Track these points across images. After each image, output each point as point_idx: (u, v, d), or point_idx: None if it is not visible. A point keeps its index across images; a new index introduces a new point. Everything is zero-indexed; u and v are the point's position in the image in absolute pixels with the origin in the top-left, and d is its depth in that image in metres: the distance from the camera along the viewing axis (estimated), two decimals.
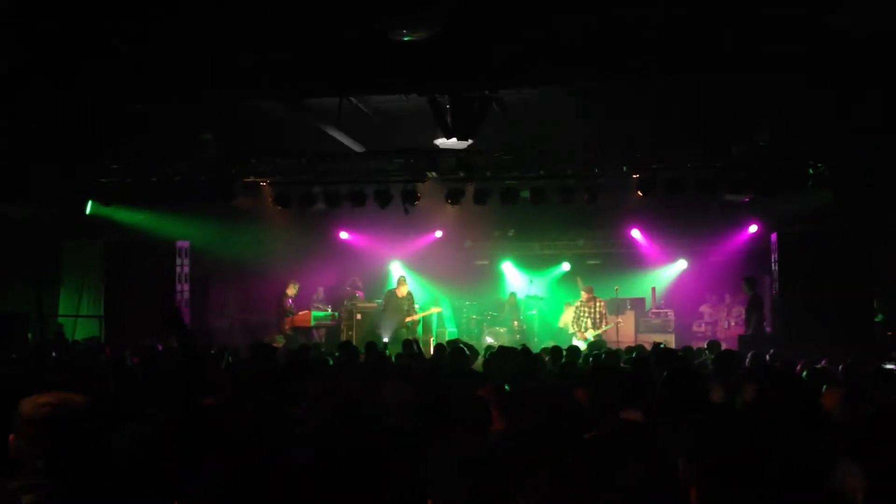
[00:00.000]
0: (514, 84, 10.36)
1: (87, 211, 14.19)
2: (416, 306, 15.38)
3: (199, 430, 2.74)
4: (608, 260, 17.79)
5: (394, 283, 15.62)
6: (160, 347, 9.54)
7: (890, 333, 12.37)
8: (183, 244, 14.50)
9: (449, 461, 2.34)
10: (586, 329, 13.98)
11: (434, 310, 16.12)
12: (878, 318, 13.23)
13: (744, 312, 13.80)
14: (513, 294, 17.02)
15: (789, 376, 4.56)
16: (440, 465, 2.34)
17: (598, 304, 14.24)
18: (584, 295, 14.43)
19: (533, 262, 17.95)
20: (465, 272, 17.95)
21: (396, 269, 17.46)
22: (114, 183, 13.55)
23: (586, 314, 14.18)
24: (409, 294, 15.23)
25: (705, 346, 10.76)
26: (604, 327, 14.05)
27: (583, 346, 12.73)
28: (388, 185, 13.25)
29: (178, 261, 14.29)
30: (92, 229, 14.66)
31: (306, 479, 2.63)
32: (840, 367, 7.20)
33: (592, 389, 4.06)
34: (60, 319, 14.80)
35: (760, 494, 2.44)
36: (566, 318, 15.64)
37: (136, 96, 10.30)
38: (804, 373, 6.57)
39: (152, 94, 10.25)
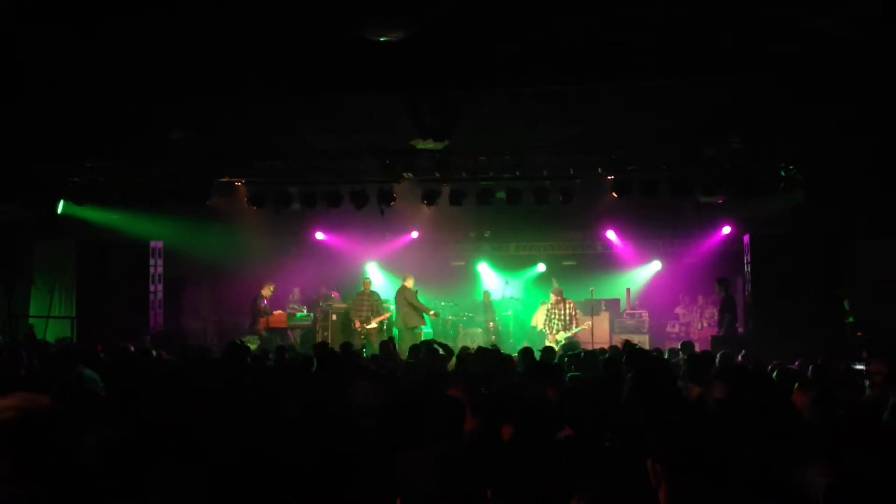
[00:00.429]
0: (494, 85, 10.37)
1: (59, 210, 14.04)
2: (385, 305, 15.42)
3: (170, 433, 2.73)
4: (583, 261, 17.89)
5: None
6: (132, 349, 9.45)
7: (860, 334, 12.52)
8: (156, 244, 14.37)
9: (419, 460, 2.33)
10: (557, 331, 13.97)
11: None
12: (850, 319, 13.40)
13: (717, 313, 13.91)
14: (487, 293, 17.04)
15: (759, 376, 4.60)
16: (411, 464, 2.34)
17: (567, 305, 14.19)
18: (553, 298, 14.35)
19: (508, 263, 18.00)
20: (441, 273, 17.95)
21: (372, 270, 17.44)
22: (86, 182, 13.41)
23: (556, 316, 14.16)
24: (374, 294, 15.30)
25: (679, 347, 10.83)
26: (574, 329, 14.04)
27: (555, 347, 12.80)
28: (364, 185, 13.22)
29: (152, 261, 14.17)
30: (64, 229, 14.50)
31: (278, 479, 2.62)
32: (810, 368, 7.28)
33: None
34: (31, 320, 14.61)
35: (728, 494, 2.46)
36: (538, 317, 15.65)
37: (108, 96, 10.19)
38: (775, 373, 6.64)
39: (125, 94, 10.15)
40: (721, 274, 14.98)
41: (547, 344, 13.49)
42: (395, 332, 14.88)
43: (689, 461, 2.47)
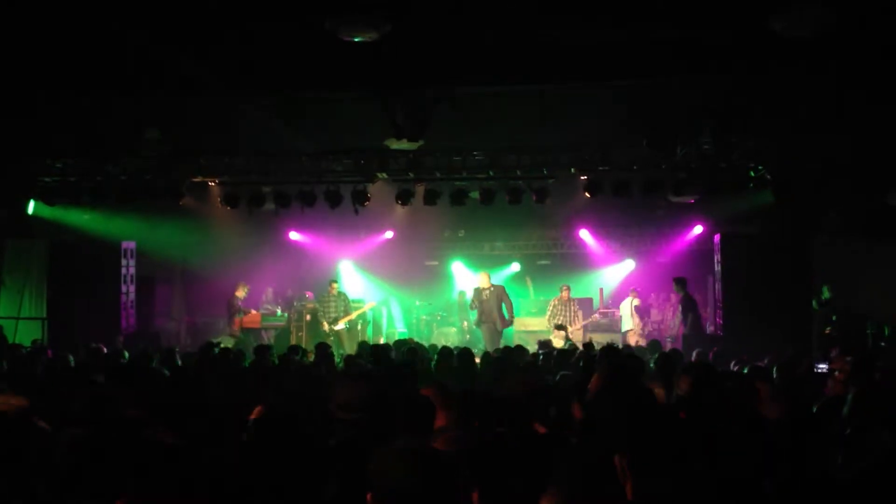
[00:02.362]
0: (468, 85, 10.41)
1: (30, 210, 13.89)
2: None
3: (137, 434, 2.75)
4: (557, 260, 18.03)
5: (345, 284, 15.65)
6: (104, 350, 9.39)
7: (828, 332, 12.72)
8: (129, 244, 14.27)
9: (389, 456, 2.37)
10: (560, 328, 13.75)
11: (368, 305, 16.09)
12: (834, 317, 13.59)
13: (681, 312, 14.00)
14: (461, 293, 17.09)
15: (723, 372, 4.68)
16: (380, 459, 2.37)
17: (572, 303, 14.75)
18: (563, 294, 14.86)
19: (483, 263, 18.05)
20: (416, 272, 18.00)
21: (347, 270, 17.44)
22: (56, 182, 13.28)
23: (561, 313, 14.55)
24: (342, 294, 15.29)
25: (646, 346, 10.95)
26: (571, 328, 14.25)
27: (558, 344, 12.86)
28: (339, 185, 13.21)
29: (124, 261, 14.07)
30: (35, 229, 14.35)
31: (246, 473, 2.64)
32: (775, 367, 7.38)
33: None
34: (1, 321, 14.44)
35: (693, 489, 2.51)
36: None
37: (77, 93, 10.11)
38: (744, 369, 6.74)
39: (92, 92, 10.07)
40: (693, 273, 15.18)
41: (550, 338, 13.57)
42: (479, 332, 14.65)
43: (654, 456, 2.51)
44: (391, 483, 2.28)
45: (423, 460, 2.32)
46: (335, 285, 15.35)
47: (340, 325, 14.86)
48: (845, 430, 3.97)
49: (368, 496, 2.28)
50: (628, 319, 15.64)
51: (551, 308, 14.92)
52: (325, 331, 14.84)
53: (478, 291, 14.17)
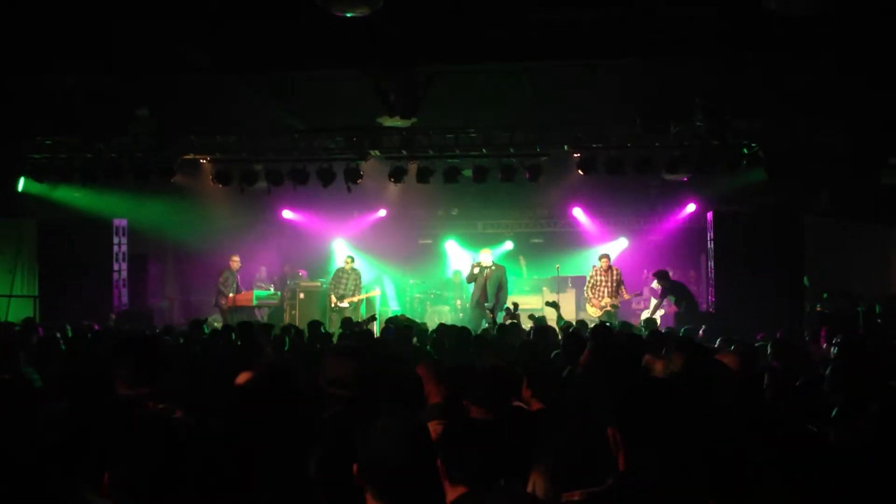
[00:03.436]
0: (460, 63, 10.35)
1: (20, 188, 13.80)
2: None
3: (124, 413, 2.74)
4: (551, 238, 18.04)
5: (337, 262, 15.58)
6: (96, 328, 9.37)
7: (819, 309, 12.78)
8: (120, 222, 14.21)
9: (376, 431, 2.37)
10: (602, 297, 13.43)
11: (374, 292, 16.05)
12: (825, 295, 13.66)
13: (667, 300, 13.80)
14: (457, 273, 17.10)
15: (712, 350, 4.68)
16: (367, 434, 2.37)
17: (614, 272, 13.61)
18: (603, 262, 13.70)
19: (476, 241, 18.04)
20: (409, 251, 17.99)
21: (340, 248, 17.41)
22: (46, 159, 13.18)
23: (603, 283, 13.54)
24: (356, 272, 15.16)
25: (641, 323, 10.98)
26: (621, 297, 13.58)
27: (595, 314, 12.96)
28: (331, 163, 13.15)
29: (116, 239, 14.02)
30: (25, 207, 14.27)
31: (230, 450, 2.64)
32: (769, 343, 7.41)
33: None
34: None
35: (685, 463, 2.52)
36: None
37: (67, 70, 10.02)
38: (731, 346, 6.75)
39: (83, 68, 9.99)
40: (686, 251, 15.21)
41: (589, 309, 13.43)
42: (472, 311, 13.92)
43: (647, 430, 2.52)
44: (377, 455, 2.29)
45: (410, 433, 2.32)
46: (350, 261, 15.19)
47: (345, 304, 14.79)
48: (831, 405, 3.99)
49: (354, 467, 2.29)
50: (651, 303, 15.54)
51: (591, 279, 13.76)
52: (331, 306, 14.75)
53: (481, 269, 13.48)
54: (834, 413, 3.76)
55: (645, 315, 14.47)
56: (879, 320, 11.51)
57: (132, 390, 3.08)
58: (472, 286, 13.72)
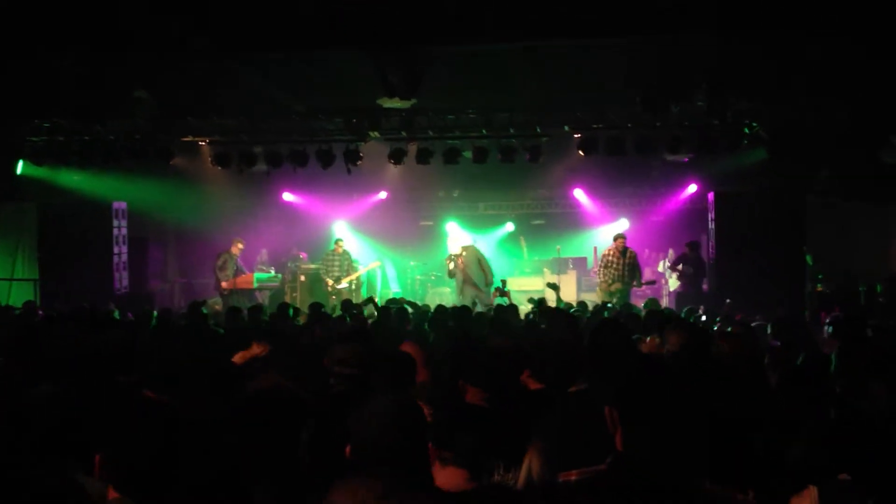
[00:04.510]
0: (460, 43, 10.28)
1: (18, 171, 13.77)
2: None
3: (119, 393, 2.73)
4: (551, 220, 18.03)
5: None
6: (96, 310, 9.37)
7: (819, 289, 12.76)
8: (120, 205, 14.18)
9: (368, 410, 2.36)
10: (612, 282, 12.77)
11: (373, 264, 16.11)
12: (820, 276, 13.65)
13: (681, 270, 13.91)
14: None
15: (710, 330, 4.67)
16: (360, 413, 2.37)
17: (628, 254, 12.83)
18: (619, 243, 12.90)
19: (477, 222, 18.05)
20: (410, 233, 17.98)
21: (341, 230, 17.39)
22: (44, 142, 13.14)
23: (614, 265, 12.80)
24: (346, 253, 15.20)
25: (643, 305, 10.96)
26: (636, 283, 12.89)
27: (599, 299, 12.34)
28: (331, 144, 13.10)
29: (115, 222, 13.98)
30: (24, 191, 14.24)
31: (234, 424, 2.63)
32: (770, 324, 7.40)
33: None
34: None
35: (682, 441, 2.51)
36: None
37: (63, 52, 9.96)
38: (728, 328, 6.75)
39: (80, 50, 9.92)
40: (688, 232, 15.18)
41: (598, 291, 12.91)
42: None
43: (644, 409, 2.50)
44: (368, 435, 2.28)
45: (400, 413, 2.31)
46: (340, 243, 15.25)
47: (344, 284, 14.84)
48: (835, 385, 3.98)
49: (347, 448, 2.28)
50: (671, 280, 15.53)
51: (604, 259, 12.98)
52: (328, 290, 14.79)
53: (453, 258, 13.48)
54: (835, 393, 3.76)
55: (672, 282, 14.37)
56: (881, 299, 11.48)
57: (125, 375, 3.08)
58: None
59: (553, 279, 14.59)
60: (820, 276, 13.47)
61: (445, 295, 16.14)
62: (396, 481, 1.73)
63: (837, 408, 3.59)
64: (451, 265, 13.44)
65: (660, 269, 16.72)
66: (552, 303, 11.57)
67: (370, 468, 2.23)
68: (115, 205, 14.05)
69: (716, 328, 7.46)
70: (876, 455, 2.59)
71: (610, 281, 12.78)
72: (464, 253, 13.51)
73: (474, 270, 13.27)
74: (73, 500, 1.94)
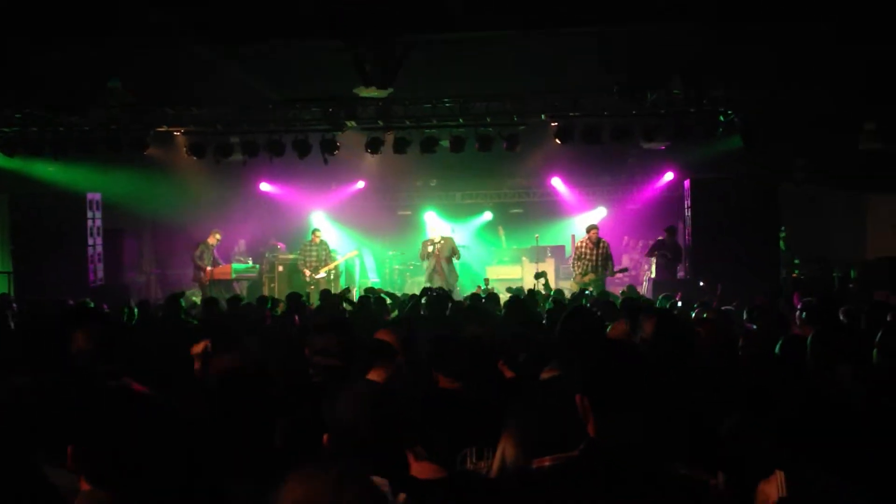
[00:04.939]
0: (437, 32, 10.26)
1: None
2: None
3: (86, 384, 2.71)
4: (529, 208, 18.08)
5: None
6: (71, 302, 9.29)
7: (795, 275, 12.89)
8: (94, 196, 14.03)
9: (345, 398, 2.36)
10: (585, 273, 12.84)
11: (351, 253, 16.13)
12: (797, 260, 13.79)
13: (658, 257, 14.02)
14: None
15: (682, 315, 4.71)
16: (336, 401, 2.37)
17: (601, 245, 12.95)
18: (591, 234, 13.02)
19: (455, 212, 18.05)
20: (388, 222, 17.96)
21: (318, 220, 17.33)
22: (16, 132, 12.97)
23: (586, 257, 12.90)
24: (323, 243, 15.19)
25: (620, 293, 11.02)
26: (609, 272, 12.98)
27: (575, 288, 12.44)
28: (307, 134, 13.03)
29: (90, 213, 13.84)
30: None
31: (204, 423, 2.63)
32: (745, 310, 7.47)
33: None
34: None
35: (653, 429, 2.52)
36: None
37: (37, 42, 9.83)
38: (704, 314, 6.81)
39: (52, 39, 9.80)
40: (665, 219, 15.23)
41: (575, 285, 12.93)
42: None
43: (615, 396, 2.51)
44: (344, 423, 2.28)
45: (374, 401, 2.32)
46: (318, 233, 15.24)
47: (322, 274, 14.82)
48: (808, 370, 4.02)
49: (325, 437, 2.29)
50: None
51: (577, 251, 13.12)
52: (305, 280, 14.76)
53: (433, 244, 14.16)
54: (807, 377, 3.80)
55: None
56: (851, 285, 11.62)
57: (95, 365, 3.05)
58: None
59: (532, 268, 14.66)
60: (796, 262, 13.60)
61: (423, 284, 16.14)
62: (352, 471, 1.73)
63: (807, 393, 3.63)
64: (430, 248, 13.99)
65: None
66: (541, 290, 11.65)
67: (331, 458, 2.25)
68: (90, 196, 13.91)
69: (693, 315, 7.53)
70: (839, 439, 2.63)
71: (583, 272, 12.91)
72: (441, 241, 13.95)
73: (444, 263, 13.86)
74: (41, 493, 1.92)
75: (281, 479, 1.76)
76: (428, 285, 13.14)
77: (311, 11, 9.42)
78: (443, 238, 14.28)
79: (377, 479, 2.21)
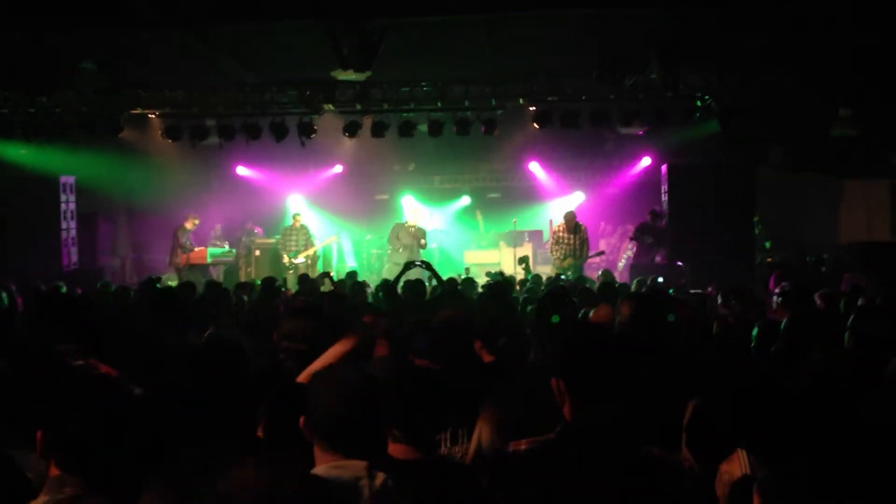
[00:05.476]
0: (412, 15, 10.18)
1: None
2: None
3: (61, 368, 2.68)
4: (507, 193, 18.10)
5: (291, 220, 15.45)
6: (43, 287, 9.19)
7: (769, 260, 13.00)
8: (68, 179, 13.84)
9: (324, 383, 2.36)
10: (565, 258, 13.03)
11: (330, 238, 16.11)
12: (767, 244, 13.91)
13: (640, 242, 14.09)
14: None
15: (664, 300, 4.73)
16: (316, 386, 2.37)
17: (580, 231, 13.16)
18: (568, 219, 13.25)
19: (433, 196, 18.03)
20: (366, 207, 17.91)
21: (296, 204, 17.23)
22: None
23: (564, 241, 13.13)
24: (304, 227, 15.14)
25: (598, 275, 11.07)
26: (586, 256, 13.22)
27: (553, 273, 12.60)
28: (284, 117, 12.93)
29: (63, 197, 13.66)
30: None
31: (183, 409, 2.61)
32: (720, 294, 7.52)
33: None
34: None
35: (629, 413, 2.54)
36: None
37: (7, 24, 9.65)
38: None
39: (26, 21, 9.62)
40: (642, 204, 15.30)
41: (554, 270, 13.04)
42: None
43: (590, 379, 2.53)
44: (323, 407, 2.28)
45: (355, 386, 2.32)
46: (299, 218, 15.18)
47: (300, 259, 14.77)
48: (782, 354, 4.06)
49: (301, 420, 2.28)
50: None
51: (555, 236, 13.32)
52: (285, 264, 14.71)
53: (406, 227, 14.46)
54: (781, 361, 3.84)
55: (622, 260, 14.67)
56: (824, 269, 11.74)
57: (67, 350, 3.02)
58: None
59: (509, 252, 14.67)
60: (767, 245, 13.72)
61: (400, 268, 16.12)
62: (290, 468, 1.74)
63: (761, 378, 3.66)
64: (401, 234, 14.36)
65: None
66: (521, 275, 11.68)
67: (273, 448, 2.25)
68: (63, 179, 13.72)
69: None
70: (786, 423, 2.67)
71: (562, 257, 13.11)
72: (412, 229, 14.33)
73: (415, 244, 14.23)
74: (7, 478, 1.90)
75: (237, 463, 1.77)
76: (388, 268, 13.92)
77: None
78: (413, 225, 14.50)
79: (356, 462, 2.22)
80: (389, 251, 14.88)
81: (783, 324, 4.06)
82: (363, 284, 9.75)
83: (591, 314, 4.54)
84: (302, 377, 3.03)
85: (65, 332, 3.12)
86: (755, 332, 4.57)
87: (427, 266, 8.32)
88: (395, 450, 2.64)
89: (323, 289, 9.68)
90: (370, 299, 8.88)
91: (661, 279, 9.96)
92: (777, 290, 6.02)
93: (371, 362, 3.69)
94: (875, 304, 5.76)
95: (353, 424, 2.25)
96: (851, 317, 4.14)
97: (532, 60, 12.22)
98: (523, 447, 2.47)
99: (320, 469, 2.20)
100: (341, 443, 2.26)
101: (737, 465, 2.66)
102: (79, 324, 3.20)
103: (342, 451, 2.25)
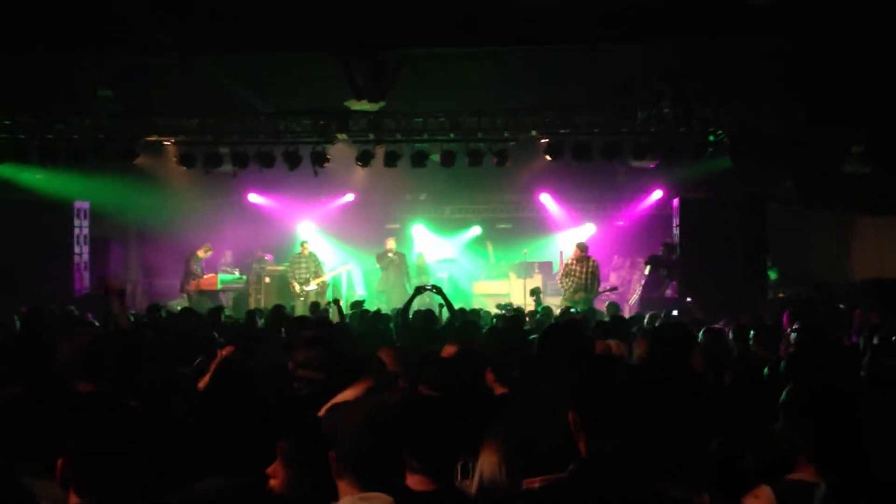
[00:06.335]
0: (429, 47, 10.29)
1: None
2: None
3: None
4: (518, 224, 18.09)
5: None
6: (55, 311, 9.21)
7: (781, 294, 12.94)
8: (82, 205, 13.96)
9: (349, 414, 2.36)
10: (576, 291, 12.89)
11: (344, 267, 16.14)
12: (772, 274, 13.84)
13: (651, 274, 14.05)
14: (420, 255, 17.04)
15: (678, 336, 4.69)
16: (340, 417, 2.37)
17: (589, 264, 13.01)
18: (577, 252, 13.12)
19: (444, 226, 18.06)
20: (376, 235, 17.92)
21: (306, 232, 17.28)
22: (5, 140, 12.89)
23: (575, 274, 12.97)
24: (312, 255, 15.18)
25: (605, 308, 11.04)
26: (598, 290, 13.08)
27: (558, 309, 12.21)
28: (298, 146, 13.02)
29: (77, 222, 13.77)
30: None
31: (193, 439, 2.61)
32: (731, 329, 7.48)
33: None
34: None
35: (645, 450, 2.52)
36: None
37: (25, 47, 9.78)
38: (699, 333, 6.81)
39: (44, 46, 9.76)
40: (653, 238, 15.30)
41: (564, 303, 12.84)
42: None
43: (607, 414, 2.51)
44: (351, 441, 2.28)
45: (382, 419, 2.32)
46: (307, 245, 15.23)
47: (312, 286, 14.78)
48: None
49: (331, 456, 2.28)
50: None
51: (564, 268, 13.25)
52: (295, 292, 14.72)
53: (389, 257, 15.05)
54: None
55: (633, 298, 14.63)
56: (841, 305, 11.68)
57: (87, 381, 3.03)
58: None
59: (519, 283, 14.66)
60: (772, 276, 13.64)
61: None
62: (240, 490, 1.76)
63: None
64: (391, 255, 15.21)
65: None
66: (530, 306, 11.65)
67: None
68: (77, 204, 13.84)
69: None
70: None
71: (573, 290, 12.94)
72: (397, 256, 15.28)
73: (401, 274, 14.93)
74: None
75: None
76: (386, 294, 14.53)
77: (304, 25, 9.43)
78: (396, 253, 15.10)
79: (382, 496, 2.22)
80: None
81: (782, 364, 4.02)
82: (378, 315, 9.72)
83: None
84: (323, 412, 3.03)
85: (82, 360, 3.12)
86: (782, 366, 4.48)
87: (438, 291, 8.28)
88: (412, 481, 2.62)
89: (330, 317, 9.68)
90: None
91: (675, 312, 9.92)
92: (794, 327, 5.98)
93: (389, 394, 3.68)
94: (891, 341, 5.72)
95: (381, 457, 2.26)
96: (867, 354, 4.11)
97: (544, 93, 12.30)
98: (537, 485, 2.45)
99: (345, 502, 2.20)
100: (367, 475, 2.26)
101: (763, 500, 2.62)
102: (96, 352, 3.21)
103: (367, 483, 2.26)
